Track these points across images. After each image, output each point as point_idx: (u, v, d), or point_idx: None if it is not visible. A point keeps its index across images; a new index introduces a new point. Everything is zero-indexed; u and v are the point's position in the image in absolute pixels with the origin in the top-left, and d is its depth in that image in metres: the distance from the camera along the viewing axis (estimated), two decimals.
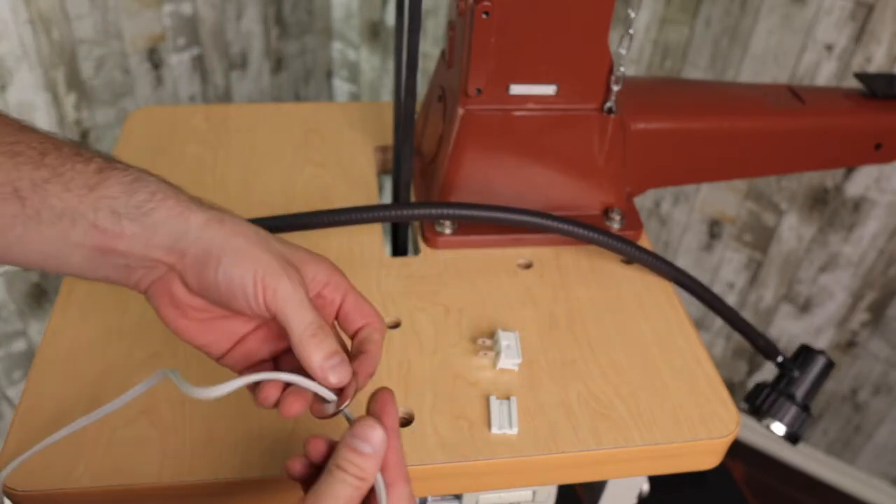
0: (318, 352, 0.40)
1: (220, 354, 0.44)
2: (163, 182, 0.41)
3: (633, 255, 0.62)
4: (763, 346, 0.65)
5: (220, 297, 0.41)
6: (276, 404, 0.42)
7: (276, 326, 0.44)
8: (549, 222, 0.60)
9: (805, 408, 0.66)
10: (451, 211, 0.60)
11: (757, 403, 0.66)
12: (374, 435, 0.38)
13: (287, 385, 0.42)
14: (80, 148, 0.40)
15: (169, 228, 0.40)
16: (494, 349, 0.56)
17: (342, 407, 0.41)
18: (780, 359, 0.66)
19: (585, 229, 0.61)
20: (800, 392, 0.66)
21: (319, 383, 0.41)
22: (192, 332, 0.43)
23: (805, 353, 0.67)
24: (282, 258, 0.41)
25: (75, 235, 0.39)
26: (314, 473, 0.41)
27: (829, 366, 0.67)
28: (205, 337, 0.44)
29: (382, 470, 0.39)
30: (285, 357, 0.45)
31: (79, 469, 0.47)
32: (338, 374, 0.41)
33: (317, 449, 0.41)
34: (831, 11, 1.17)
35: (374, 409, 0.41)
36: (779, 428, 0.66)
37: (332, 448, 0.41)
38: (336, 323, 0.46)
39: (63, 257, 0.40)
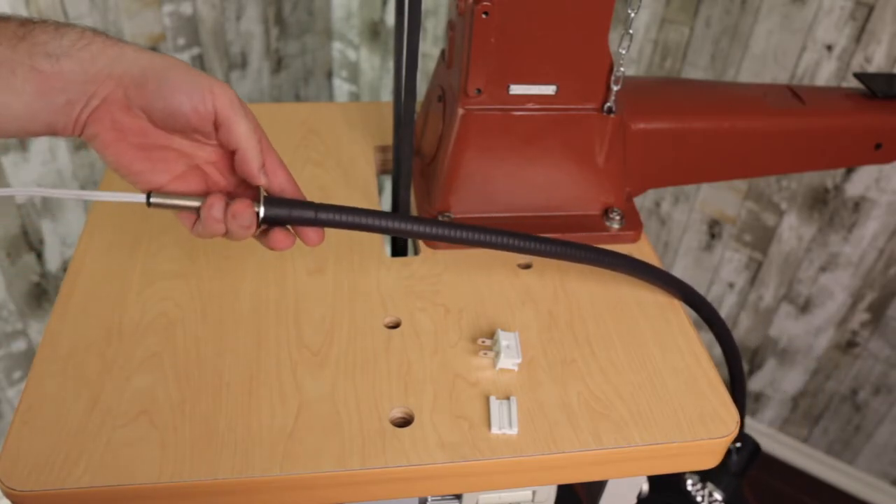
0: (258, 159, 0.48)
1: (150, 188, 0.48)
2: (87, 28, 0.44)
3: (615, 267, 0.62)
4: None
5: (164, 108, 0.45)
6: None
7: (203, 174, 0.49)
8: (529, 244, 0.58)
9: (740, 477, 0.87)
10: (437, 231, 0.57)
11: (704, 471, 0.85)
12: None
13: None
14: None
15: (105, 56, 0.43)
16: (494, 349, 0.56)
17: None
18: (737, 445, 0.85)
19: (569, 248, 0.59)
20: (736, 468, 0.87)
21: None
22: (129, 158, 0.46)
23: (744, 438, 0.87)
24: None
25: (16, 82, 0.42)
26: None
27: (757, 449, 0.87)
28: (141, 164, 0.47)
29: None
30: None
31: (79, 469, 0.47)
32: (268, 178, 0.49)
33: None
34: (831, 11, 1.17)
35: None
36: (720, 494, 0.85)
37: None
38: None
39: (5, 107, 0.42)
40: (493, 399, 0.53)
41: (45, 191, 0.46)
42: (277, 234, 0.50)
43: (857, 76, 0.77)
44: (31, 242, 1.26)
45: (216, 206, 0.47)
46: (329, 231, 0.52)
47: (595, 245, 0.67)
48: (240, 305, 0.58)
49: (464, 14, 0.59)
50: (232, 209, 0.47)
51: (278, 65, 1.63)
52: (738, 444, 0.85)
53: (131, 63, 0.44)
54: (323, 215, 0.51)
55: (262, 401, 0.52)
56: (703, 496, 0.86)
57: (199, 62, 1.43)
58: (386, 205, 0.90)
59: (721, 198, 1.43)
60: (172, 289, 0.59)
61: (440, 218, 0.65)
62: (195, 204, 0.48)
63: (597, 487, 0.61)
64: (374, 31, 1.71)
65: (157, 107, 0.45)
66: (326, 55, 1.78)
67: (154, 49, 1.32)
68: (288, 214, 0.50)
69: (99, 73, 0.43)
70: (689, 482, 0.86)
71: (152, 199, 0.47)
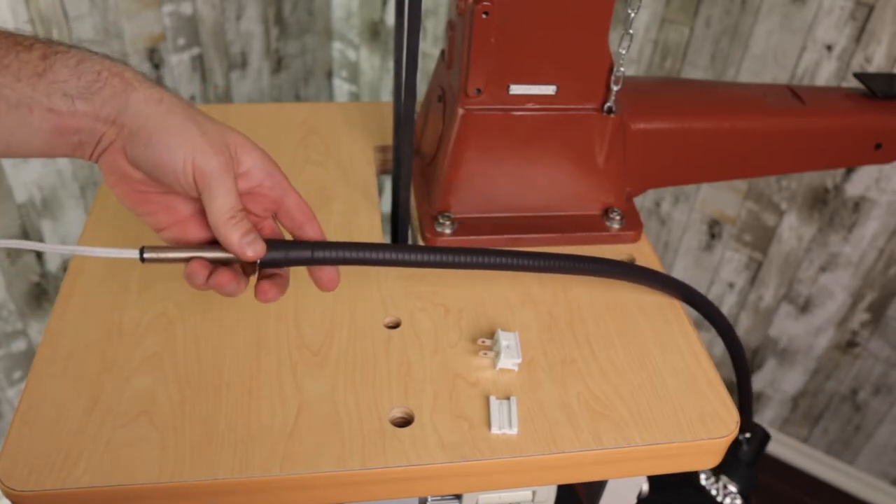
0: (235, 232, 0.45)
1: (159, 228, 0.48)
2: (107, 60, 0.44)
3: (622, 276, 0.62)
4: (745, 415, 0.76)
5: (150, 171, 0.45)
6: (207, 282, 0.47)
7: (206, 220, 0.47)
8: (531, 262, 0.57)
9: (751, 466, 0.86)
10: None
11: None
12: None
13: (214, 266, 0.47)
14: (16, 36, 0.43)
15: (114, 102, 0.43)
16: (494, 349, 0.56)
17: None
18: (746, 435, 0.85)
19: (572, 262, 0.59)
20: (747, 458, 0.86)
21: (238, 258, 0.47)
22: (132, 201, 0.47)
23: (753, 427, 0.86)
24: (217, 140, 0.45)
25: (34, 121, 0.42)
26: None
27: (767, 437, 0.86)
28: (144, 207, 0.47)
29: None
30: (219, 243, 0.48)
31: (79, 469, 0.47)
32: (253, 249, 0.46)
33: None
34: (831, 11, 1.17)
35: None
36: (734, 486, 0.85)
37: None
38: (276, 218, 0.50)
39: (24, 143, 0.43)
40: (493, 399, 0.53)
41: (35, 245, 0.45)
42: (263, 285, 0.49)
43: (857, 76, 0.77)
44: None
45: (197, 275, 0.46)
46: (327, 230, 0.52)
47: (595, 244, 0.67)
48: (240, 305, 0.58)
49: (464, 14, 0.59)
50: (215, 280, 0.47)
51: (278, 65, 1.63)
52: (748, 435, 0.85)
53: (132, 116, 0.43)
54: (320, 253, 0.49)
55: (262, 401, 0.52)
56: (717, 489, 0.85)
57: (199, 62, 1.43)
58: (386, 205, 0.90)
59: (721, 198, 1.43)
60: (172, 289, 0.59)
61: (440, 219, 0.65)
62: (191, 255, 0.47)
63: (597, 487, 0.61)
64: (374, 31, 1.71)
65: (145, 168, 0.45)
66: (326, 55, 1.78)
67: (154, 49, 1.32)
68: (284, 257, 0.48)
69: (107, 117, 0.43)
70: (703, 476, 0.86)
71: (146, 255, 0.46)
